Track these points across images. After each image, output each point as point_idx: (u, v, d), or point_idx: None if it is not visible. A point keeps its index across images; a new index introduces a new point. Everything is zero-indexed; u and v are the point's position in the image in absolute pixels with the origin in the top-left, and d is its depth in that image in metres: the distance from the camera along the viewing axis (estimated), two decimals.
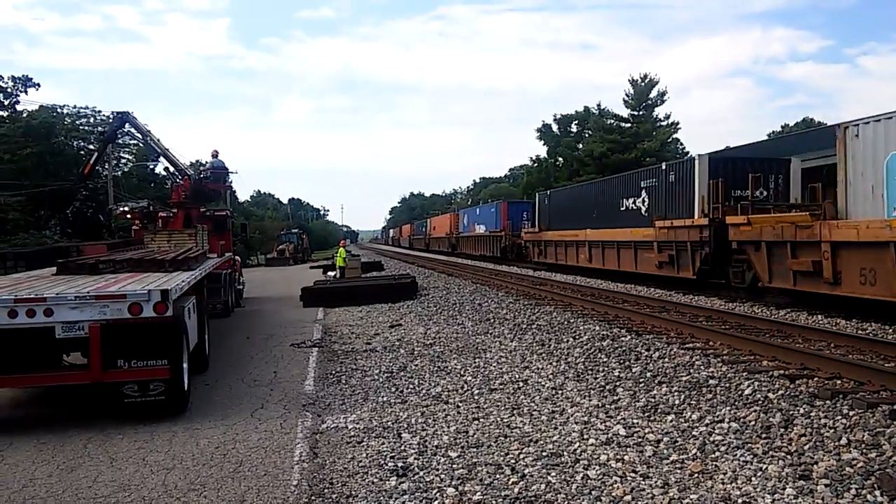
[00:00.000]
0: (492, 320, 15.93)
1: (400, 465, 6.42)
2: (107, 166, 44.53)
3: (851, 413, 7.02)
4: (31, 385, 8.88)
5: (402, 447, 6.97)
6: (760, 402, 7.73)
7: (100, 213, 24.91)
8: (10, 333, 7.63)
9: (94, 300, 7.74)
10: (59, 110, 51.49)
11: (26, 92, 53.92)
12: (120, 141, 50.20)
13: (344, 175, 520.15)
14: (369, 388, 9.69)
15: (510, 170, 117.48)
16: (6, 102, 53.69)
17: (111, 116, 23.38)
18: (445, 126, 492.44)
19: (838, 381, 8.38)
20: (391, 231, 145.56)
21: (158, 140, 22.81)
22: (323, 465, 6.56)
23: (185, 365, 8.51)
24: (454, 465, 6.37)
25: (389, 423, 7.90)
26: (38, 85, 54.08)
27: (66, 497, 5.83)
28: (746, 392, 8.12)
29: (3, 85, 53.52)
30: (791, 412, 7.24)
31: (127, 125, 23.09)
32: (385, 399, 9.07)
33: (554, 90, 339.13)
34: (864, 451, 6.06)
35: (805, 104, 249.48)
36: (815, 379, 8.48)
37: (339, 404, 8.88)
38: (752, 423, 7.11)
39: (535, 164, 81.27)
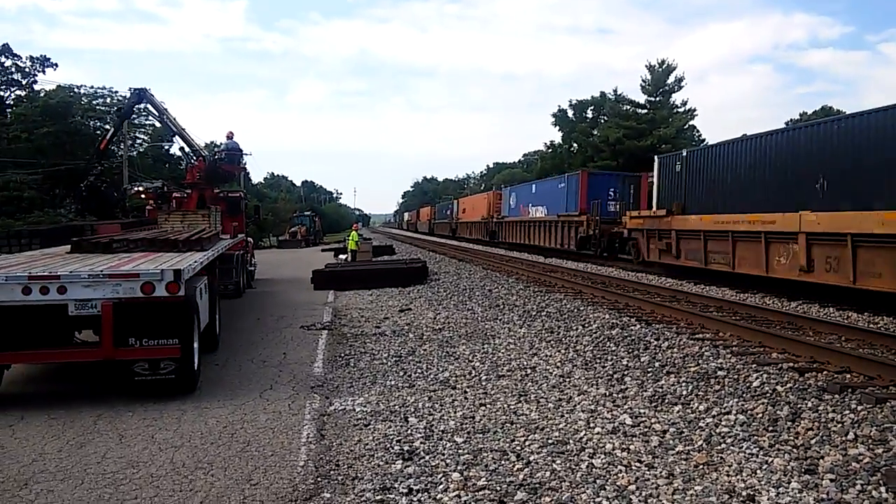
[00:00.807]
0: (501, 306, 15.94)
1: (406, 448, 6.46)
2: (122, 146, 44.75)
3: (860, 408, 6.99)
4: (43, 361, 9.01)
5: (409, 431, 7.01)
6: (768, 394, 7.71)
7: (114, 192, 25.05)
8: (23, 310, 7.71)
9: (108, 279, 7.81)
10: (76, 90, 51.81)
11: (44, 72, 54.44)
12: (136, 120, 50.47)
13: (357, 158, 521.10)
14: (377, 372, 9.74)
15: (524, 155, 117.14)
16: (24, 82, 54.09)
17: (129, 92, 23.18)
18: (460, 110, 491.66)
19: (847, 376, 8.33)
20: (406, 214, 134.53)
21: (175, 119, 22.79)
22: (330, 446, 6.62)
23: (195, 345, 8.58)
24: (460, 451, 6.40)
25: (397, 406, 7.94)
26: (56, 65, 54.57)
27: (74, 472, 5.90)
28: (755, 384, 8.10)
29: (22, 65, 53.94)
30: (799, 405, 7.22)
31: (144, 102, 23.06)
32: (393, 383, 9.11)
33: (570, 75, 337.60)
34: (871, 446, 6.04)
35: (825, 91, 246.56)
36: (825, 372, 8.44)
37: (348, 387, 8.93)
38: (760, 415, 7.09)
39: (550, 150, 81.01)
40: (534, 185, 42.82)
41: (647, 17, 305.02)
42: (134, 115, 45.61)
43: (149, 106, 23.35)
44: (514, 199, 44.35)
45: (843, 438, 6.29)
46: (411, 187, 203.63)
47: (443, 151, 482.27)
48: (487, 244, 48.01)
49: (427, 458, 6.26)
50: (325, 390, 8.70)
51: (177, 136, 23.57)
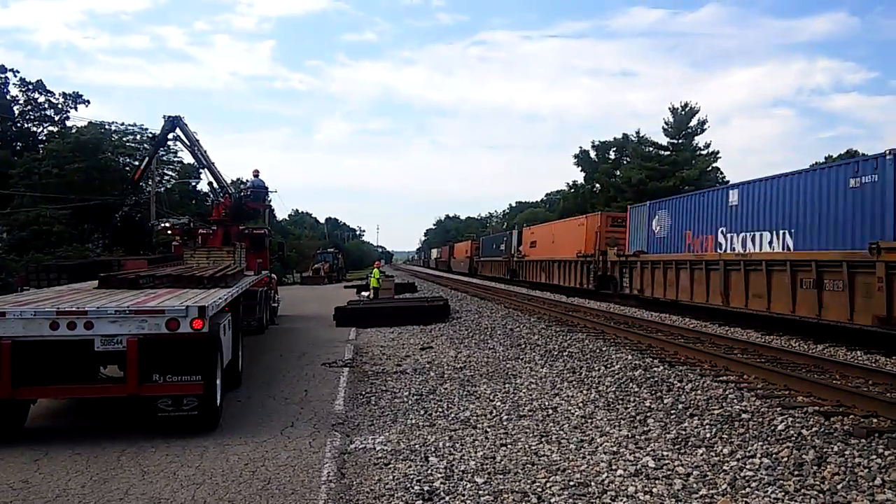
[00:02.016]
0: (523, 346, 15.88)
1: (426, 489, 6.43)
2: (150, 182, 45.54)
3: (887, 453, 6.87)
4: (69, 396, 9.10)
5: (429, 471, 6.98)
6: (794, 438, 7.60)
7: (147, 223, 25.51)
8: (50, 345, 7.84)
9: (134, 314, 7.93)
10: (106, 127, 52.98)
11: (76, 108, 55.75)
12: (164, 157, 51.36)
13: (380, 196, 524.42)
14: (398, 410, 9.72)
15: (546, 195, 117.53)
16: (57, 118, 55.38)
17: (163, 120, 23.11)
18: (482, 150, 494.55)
19: (874, 420, 8.20)
20: (434, 251, 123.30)
21: (205, 152, 23.01)
22: (350, 485, 6.61)
23: (218, 381, 8.64)
24: (480, 492, 6.37)
25: (417, 445, 7.92)
26: (88, 102, 56.08)
27: None
28: (780, 427, 7.99)
29: (55, 101, 55.27)
30: (825, 450, 7.10)
31: (178, 129, 22.97)
32: (413, 421, 9.09)
33: (592, 117, 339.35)
34: None
35: (849, 135, 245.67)
36: (851, 416, 8.31)
37: (368, 425, 8.93)
38: (785, 459, 6.98)
39: (572, 190, 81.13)
40: (735, 192, 20.67)
41: (669, 60, 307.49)
42: (163, 150, 46.50)
43: (181, 135, 23.18)
44: (667, 221, 24.88)
45: (871, 484, 6.17)
46: (434, 225, 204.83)
47: (465, 190, 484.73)
48: (587, 295, 31.82)
49: (447, 498, 6.23)
50: (345, 428, 8.70)
51: (205, 170, 23.63)
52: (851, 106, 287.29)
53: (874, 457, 6.80)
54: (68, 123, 54.67)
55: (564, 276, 36.18)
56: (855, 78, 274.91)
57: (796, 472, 6.61)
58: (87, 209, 42.07)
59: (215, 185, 23.62)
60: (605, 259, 30.07)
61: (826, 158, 70.51)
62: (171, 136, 23.33)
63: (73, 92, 56.43)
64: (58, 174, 44.58)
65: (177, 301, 8.56)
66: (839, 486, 6.19)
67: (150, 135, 47.13)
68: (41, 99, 55.06)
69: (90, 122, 51.41)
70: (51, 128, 55.68)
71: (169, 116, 22.67)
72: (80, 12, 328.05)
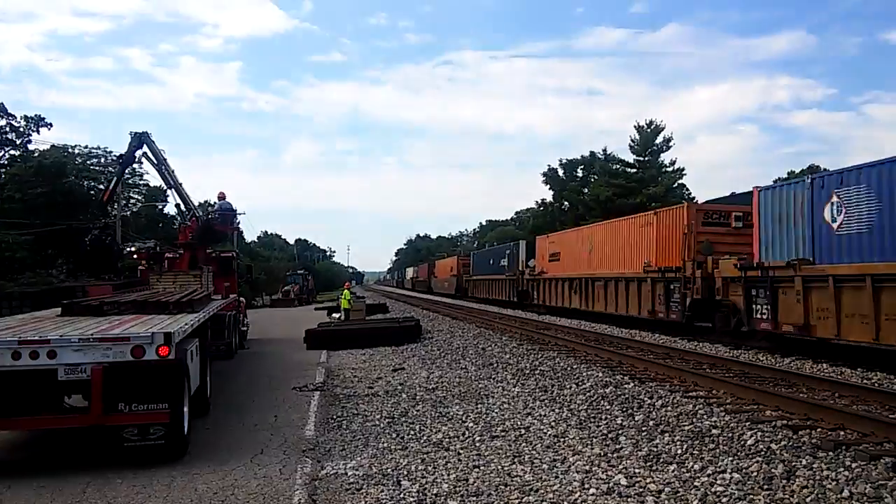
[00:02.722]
0: (495, 365, 15.88)
1: None
2: (116, 206, 44.93)
3: (854, 465, 6.97)
4: (31, 428, 8.86)
5: (402, 495, 6.92)
6: (763, 452, 7.67)
7: (115, 246, 24.91)
8: (12, 375, 7.65)
9: (98, 342, 7.78)
10: (70, 150, 52.21)
11: (38, 132, 54.75)
12: (130, 180, 50.73)
13: (350, 216, 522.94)
14: (370, 434, 9.64)
15: (516, 213, 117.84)
16: (18, 142, 54.45)
17: (130, 136, 21.88)
18: (452, 169, 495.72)
19: (842, 433, 8.32)
20: (410, 270, 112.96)
21: (172, 171, 22.28)
22: None
23: (185, 409, 8.49)
24: None
25: (389, 469, 7.85)
26: (51, 125, 54.85)
27: None
28: (749, 442, 8.07)
29: (16, 125, 54.36)
30: (793, 463, 7.19)
31: (144, 147, 21.93)
32: (385, 445, 9.02)
33: (560, 135, 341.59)
34: (867, 503, 6.01)
35: (811, 151, 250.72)
36: (819, 430, 8.43)
37: (340, 450, 8.83)
38: (755, 473, 7.04)
39: (541, 208, 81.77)
40: None
41: (633, 79, 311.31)
42: (129, 173, 45.87)
43: (148, 152, 22.06)
44: (867, 203, 14.36)
45: (839, 496, 6.25)
46: (405, 245, 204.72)
47: (435, 209, 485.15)
48: (679, 332, 21.66)
49: None
50: (316, 453, 8.60)
51: (172, 191, 22.73)
52: (812, 122, 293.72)
53: (842, 469, 6.89)
54: (30, 147, 53.75)
55: (620, 301, 25.41)
56: (814, 94, 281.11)
57: (766, 486, 6.67)
58: (50, 234, 41.32)
59: (182, 207, 23.05)
60: (710, 274, 19.75)
61: (788, 174, 72.01)
62: (138, 153, 22.21)
63: (36, 115, 55.31)
64: (20, 199, 43.80)
65: (142, 328, 8.43)
66: (808, 500, 6.26)
67: (115, 157, 46.35)
68: (2, 122, 54.03)
69: (53, 146, 50.59)
70: (12, 152, 54.68)
71: (135, 132, 21.83)
72: (42, 34, 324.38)
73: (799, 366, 14.43)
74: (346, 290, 33.27)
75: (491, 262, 49.71)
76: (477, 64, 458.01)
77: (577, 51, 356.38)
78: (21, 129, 54.63)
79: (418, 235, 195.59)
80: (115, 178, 24.70)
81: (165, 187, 23.56)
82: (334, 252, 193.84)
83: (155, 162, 22.17)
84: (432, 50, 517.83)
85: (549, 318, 31.06)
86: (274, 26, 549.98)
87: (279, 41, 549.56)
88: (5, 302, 16.80)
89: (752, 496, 6.48)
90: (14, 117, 54.42)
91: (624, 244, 26.05)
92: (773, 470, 7.06)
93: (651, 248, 23.65)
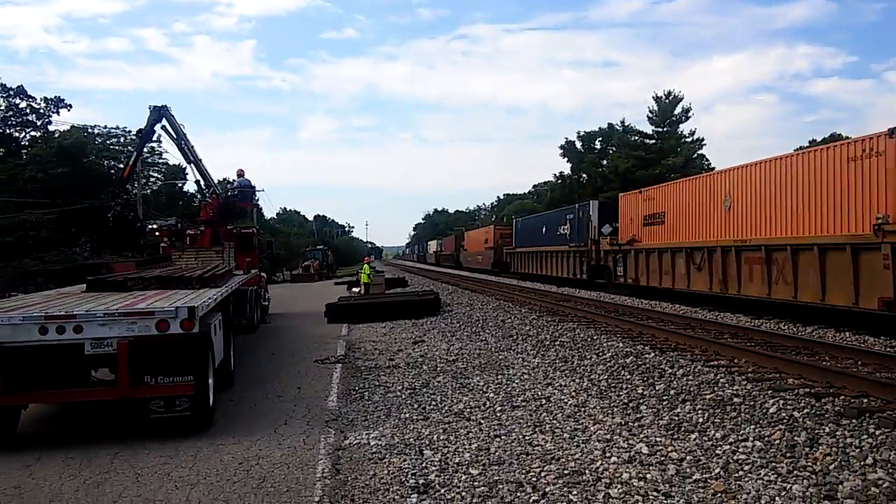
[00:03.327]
0: (514, 337, 15.91)
1: (421, 482, 6.44)
2: (136, 184, 45.25)
3: (878, 432, 6.92)
4: (60, 401, 9.04)
5: (424, 464, 6.99)
6: (785, 420, 7.65)
7: (138, 223, 25.04)
8: (40, 349, 7.79)
9: (123, 317, 7.89)
10: (89, 130, 52.60)
11: (58, 113, 55.38)
12: (149, 159, 50.99)
13: (368, 192, 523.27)
14: (392, 405, 9.72)
15: (534, 186, 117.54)
16: (39, 123, 54.99)
17: (149, 111, 21.73)
18: (468, 143, 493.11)
19: (865, 400, 8.25)
20: (432, 244, 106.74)
21: (192, 147, 22.24)
22: (345, 481, 6.60)
23: (210, 381, 8.61)
24: (475, 483, 6.38)
25: (411, 439, 7.92)
26: (70, 106, 55.51)
27: None
28: (771, 410, 8.04)
29: (37, 106, 54.88)
30: (816, 431, 7.15)
31: (164, 120, 21.81)
32: (407, 415, 9.09)
33: (576, 107, 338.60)
34: (891, 470, 5.97)
35: (832, 119, 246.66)
36: (842, 397, 8.37)
37: (362, 420, 8.92)
38: (777, 442, 7.03)
39: (559, 181, 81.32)
40: None
41: (650, 50, 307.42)
42: (147, 152, 45.96)
43: (167, 126, 21.93)
44: None
45: (862, 463, 6.22)
46: (423, 219, 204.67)
47: (452, 184, 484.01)
48: None
49: (442, 491, 6.24)
50: (339, 424, 8.69)
51: (192, 166, 22.73)
52: (832, 90, 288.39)
53: (865, 436, 6.85)
54: (51, 128, 54.33)
55: (809, 282, 16.04)
56: (835, 62, 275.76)
57: (788, 454, 6.65)
58: (72, 213, 41.78)
59: (202, 183, 23.06)
60: None
61: (810, 142, 70.94)
62: (157, 127, 22.04)
63: (55, 96, 56.04)
64: (42, 179, 44.28)
65: (166, 302, 8.53)
66: (831, 467, 6.24)
67: (134, 135, 46.63)
68: (23, 104, 54.61)
69: (73, 126, 51.06)
70: (33, 133, 55.26)
71: (155, 106, 21.69)
72: (57, 16, 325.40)
73: (821, 335, 14.32)
74: (365, 265, 33.40)
75: (544, 230, 39.76)
76: (491, 37, 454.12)
77: (592, 22, 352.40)
78: (41, 111, 55.24)
79: (436, 210, 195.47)
80: (134, 154, 24.44)
81: (185, 163, 23.47)
82: (353, 227, 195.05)
83: (174, 136, 22.04)
84: (446, 24, 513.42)
85: (572, 291, 29.73)
86: (287, 4, 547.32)
87: (293, 19, 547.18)
88: (31, 279, 17.05)
89: (774, 463, 6.47)
90: (34, 99, 55.02)
91: (807, 191, 16.36)
92: (795, 438, 7.04)
93: (882, 192, 13.98)
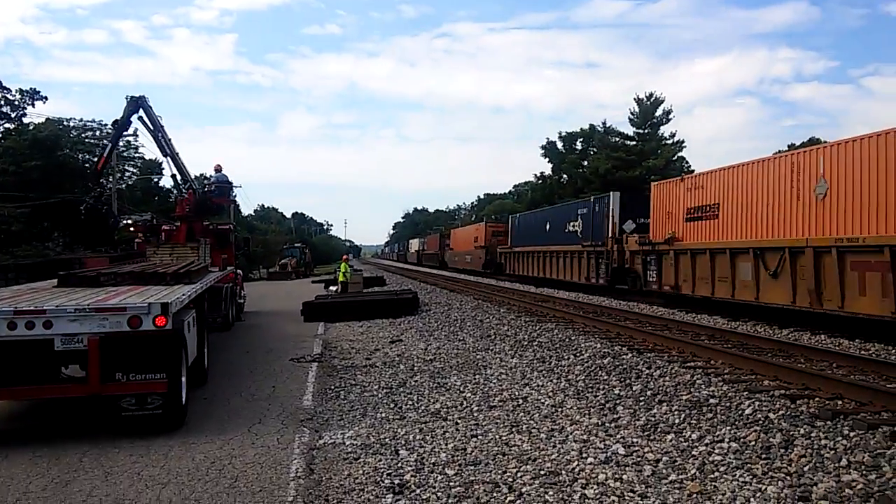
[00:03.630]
0: (493, 337, 15.88)
1: (396, 482, 6.37)
2: (111, 179, 44.70)
3: (852, 434, 6.97)
4: (29, 398, 8.85)
5: (399, 464, 6.92)
6: (761, 422, 7.67)
7: (111, 218, 24.56)
8: (8, 345, 7.61)
9: (94, 312, 7.74)
10: (65, 123, 51.90)
11: (33, 105, 54.52)
12: (125, 153, 50.40)
13: (348, 190, 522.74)
14: (368, 404, 9.64)
15: (514, 186, 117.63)
16: (13, 115, 54.14)
17: (126, 100, 20.96)
18: (449, 142, 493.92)
19: (839, 402, 8.32)
20: (413, 242, 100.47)
21: (170, 140, 21.69)
22: (319, 481, 6.52)
23: (183, 379, 8.49)
24: (451, 483, 6.32)
25: (387, 439, 7.85)
26: (46, 98, 54.56)
27: None
28: (747, 412, 8.07)
29: (11, 98, 54.02)
30: (791, 432, 7.18)
31: (141, 111, 21.17)
32: (383, 415, 9.02)
33: (558, 108, 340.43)
34: (864, 472, 6.01)
35: (811, 124, 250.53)
36: (817, 399, 8.42)
37: (337, 420, 8.84)
38: (752, 443, 7.05)
39: (540, 181, 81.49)
40: None
41: (633, 51, 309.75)
42: (124, 146, 45.32)
43: (144, 118, 21.29)
44: None
45: (837, 465, 6.25)
46: (402, 218, 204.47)
47: (433, 183, 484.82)
48: None
49: (418, 491, 6.18)
50: (314, 424, 8.60)
51: (169, 159, 22.03)
52: (812, 95, 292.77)
53: (840, 438, 6.89)
54: (25, 120, 53.46)
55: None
56: (815, 67, 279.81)
57: (764, 456, 6.67)
58: (46, 207, 41.17)
59: (178, 178, 22.53)
60: None
61: (789, 147, 71.74)
62: (134, 117, 21.38)
63: (31, 88, 55.07)
64: (15, 172, 43.58)
65: (139, 298, 8.38)
66: (806, 468, 6.26)
67: (110, 128, 46.16)
68: None
69: (48, 119, 50.31)
70: (7, 125, 54.36)
71: (132, 96, 21.12)
72: (35, 7, 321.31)
73: (797, 337, 14.44)
74: (343, 263, 33.20)
75: (548, 227, 35.34)
76: (475, 36, 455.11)
77: (575, 23, 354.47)
78: (16, 103, 54.35)
79: (416, 209, 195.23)
80: (109, 145, 23.77)
81: (161, 156, 22.82)
82: (331, 226, 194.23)
83: (151, 128, 21.47)
84: (429, 21, 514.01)
85: (548, 290, 29.97)
86: None
87: (275, 13, 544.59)
88: (1, 274, 16.74)
89: (750, 465, 6.48)
90: (9, 90, 54.12)
91: None
92: (771, 439, 7.06)
93: None
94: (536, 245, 36.57)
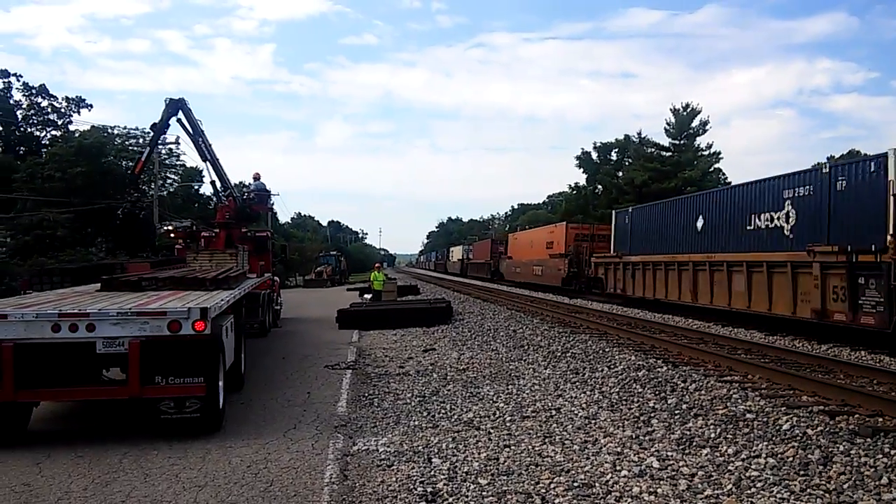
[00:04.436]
0: (526, 347, 15.85)
1: (429, 490, 6.40)
2: (153, 186, 45.55)
3: (893, 452, 6.83)
4: (71, 399, 9.05)
5: (432, 472, 6.95)
6: (799, 437, 7.56)
7: (149, 222, 24.72)
8: (52, 347, 7.81)
9: (136, 316, 7.91)
10: (109, 131, 53.03)
11: (79, 112, 55.88)
12: (166, 161, 51.28)
13: (383, 199, 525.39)
14: (401, 412, 9.69)
15: (548, 197, 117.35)
16: (60, 122, 55.49)
17: (166, 103, 20.68)
18: (483, 152, 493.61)
19: (880, 419, 8.16)
20: (455, 250, 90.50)
21: (210, 145, 21.52)
22: (352, 487, 6.58)
23: (220, 383, 8.61)
24: (483, 493, 6.33)
25: (420, 447, 7.89)
26: (91, 106, 55.95)
27: None
28: (784, 427, 7.95)
29: (58, 105, 55.39)
30: (830, 449, 7.07)
31: (181, 113, 20.80)
32: (416, 423, 9.06)
33: (593, 118, 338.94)
34: None
35: (851, 136, 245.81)
36: (856, 416, 8.27)
37: (371, 427, 8.89)
38: (790, 459, 6.94)
39: (574, 192, 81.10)
40: None
41: (669, 62, 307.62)
42: (166, 153, 45.98)
43: (184, 120, 20.92)
44: None
45: (877, 483, 6.14)
46: (436, 227, 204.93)
47: (467, 193, 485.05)
48: None
49: (450, 500, 6.20)
50: (348, 430, 8.67)
51: (208, 164, 21.79)
52: (852, 106, 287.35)
53: (880, 456, 6.77)
54: (71, 128, 54.82)
55: None
56: (855, 78, 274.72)
57: (802, 472, 6.57)
58: (90, 213, 42.04)
59: (218, 184, 22.47)
60: None
61: (828, 159, 70.52)
62: (172, 119, 20.92)
63: (76, 96, 56.68)
64: (61, 178, 44.57)
65: (179, 303, 8.54)
66: (845, 486, 6.15)
67: (149, 132, 46.74)
68: (44, 103, 55.16)
69: (93, 126, 51.48)
70: (54, 132, 55.80)
71: (172, 99, 20.80)
72: (81, 17, 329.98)
73: (837, 353, 14.18)
74: (376, 272, 33.34)
75: (700, 223, 22.86)
76: (510, 46, 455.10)
77: (611, 33, 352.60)
78: (62, 110, 55.75)
79: (450, 218, 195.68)
80: (147, 148, 23.55)
81: (201, 161, 22.66)
82: (366, 234, 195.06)
83: (191, 132, 21.18)
84: (465, 32, 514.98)
85: (580, 300, 30.01)
86: (308, 8, 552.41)
87: (312, 23, 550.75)
88: (46, 278, 17.15)
89: (787, 481, 6.38)
90: (56, 98, 55.51)
91: None
92: (809, 455, 6.95)
93: None
94: (677, 252, 24.11)
